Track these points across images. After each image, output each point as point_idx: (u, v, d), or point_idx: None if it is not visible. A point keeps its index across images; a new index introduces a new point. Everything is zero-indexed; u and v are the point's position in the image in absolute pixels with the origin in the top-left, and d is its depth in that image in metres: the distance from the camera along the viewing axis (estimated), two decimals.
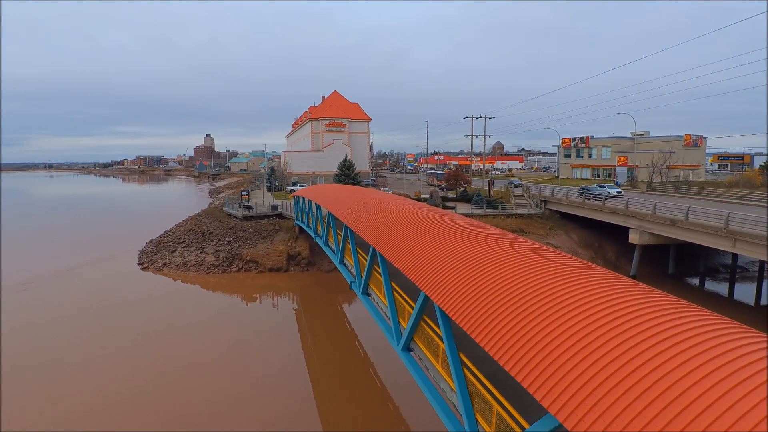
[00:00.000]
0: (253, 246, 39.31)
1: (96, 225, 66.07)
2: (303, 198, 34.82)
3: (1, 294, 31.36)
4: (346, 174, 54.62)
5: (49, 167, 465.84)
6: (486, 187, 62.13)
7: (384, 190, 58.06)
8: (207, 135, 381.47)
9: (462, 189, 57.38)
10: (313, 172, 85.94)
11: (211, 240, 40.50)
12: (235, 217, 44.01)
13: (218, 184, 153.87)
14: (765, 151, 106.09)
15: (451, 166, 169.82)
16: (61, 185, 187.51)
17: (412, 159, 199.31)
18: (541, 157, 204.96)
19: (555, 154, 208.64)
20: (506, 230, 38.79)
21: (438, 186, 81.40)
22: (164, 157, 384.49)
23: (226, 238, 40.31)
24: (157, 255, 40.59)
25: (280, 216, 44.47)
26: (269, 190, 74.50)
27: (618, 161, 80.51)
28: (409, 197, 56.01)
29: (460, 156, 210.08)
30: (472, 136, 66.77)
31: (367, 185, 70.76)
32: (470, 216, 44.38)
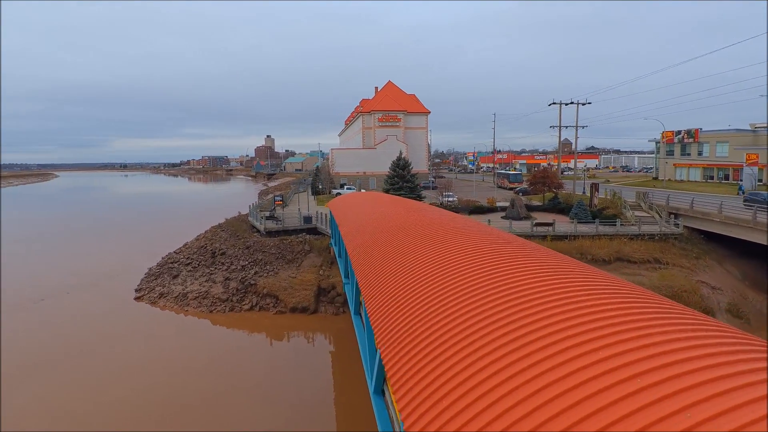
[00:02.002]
0: (273, 273, 29.32)
1: (138, 225, 61.83)
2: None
3: None
4: (401, 175, 43.61)
5: (124, 167, 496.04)
6: (580, 192, 48.66)
7: (446, 197, 46.31)
8: (267, 136, 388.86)
9: (552, 195, 44.43)
10: (364, 173, 75.74)
11: (222, 263, 31.02)
12: (256, 231, 34.46)
13: (271, 184, 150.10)
14: None
15: (517, 165, 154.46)
16: (133, 184, 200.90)
17: (471, 157, 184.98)
18: (617, 155, 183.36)
19: (630, 152, 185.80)
20: (634, 259, 25.64)
21: (509, 189, 68.33)
22: (227, 157, 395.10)
23: (241, 262, 30.63)
24: (158, 279, 31.76)
25: (315, 231, 34.33)
26: (314, 193, 65.22)
27: (747, 159, 63.19)
28: (480, 206, 43.95)
29: (523, 154, 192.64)
30: (560, 126, 53.49)
31: (425, 187, 59.28)
32: (576, 236, 31.77)
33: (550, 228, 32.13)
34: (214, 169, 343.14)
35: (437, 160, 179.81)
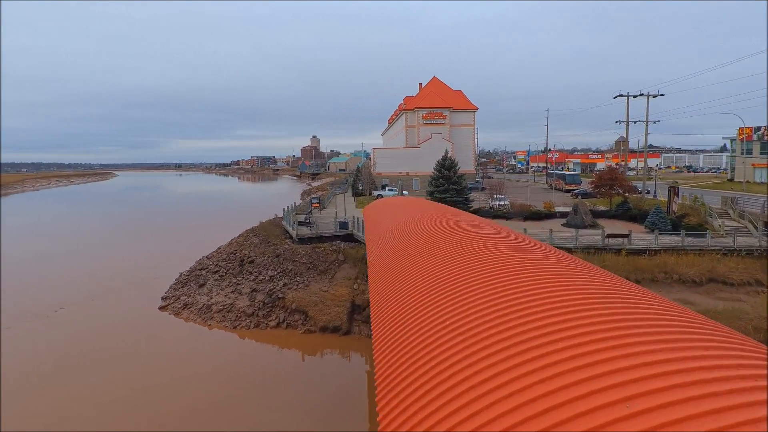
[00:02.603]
0: (303, 286, 26.42)
1: (182, 224, 61.82)
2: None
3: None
4: (446, 176, 39.74)
5: (179, 167, 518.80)
6: (650, 197, 42.79)
7: (497, 200, 41.89)
8: (313, 136, 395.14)
9: (621, 200, 39.05)
10: (406, 173, 72.19)
11: (250, 272, 28.48)
12: (289, 236, 31.80)
13: (314, 184, 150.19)
14: None
15: (570, 165, 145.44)
16: (186, 183, 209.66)
17: (522, 157, 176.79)
18: (679, 154, 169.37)
19: (693, 150, 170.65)
20: (732, 281, 20.44)
21: (565, 191, 62.58)
22: (274, 157, 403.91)
23: (269, 271, 27.95)
24: (185, 287, 29.72)
25: (351, 238, 31.22)
26: (354, 194, 62.46)
27: None
28: (536, 211, 39.25)
29: (576, 153, 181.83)
30: (627, 121, 47.63)
31: (472, 189, 54.93)
32: (657, 249, 26.76)
33: (625, 240, 27.25)
34: (261, 169, 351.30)
35: (483, 160, 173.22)
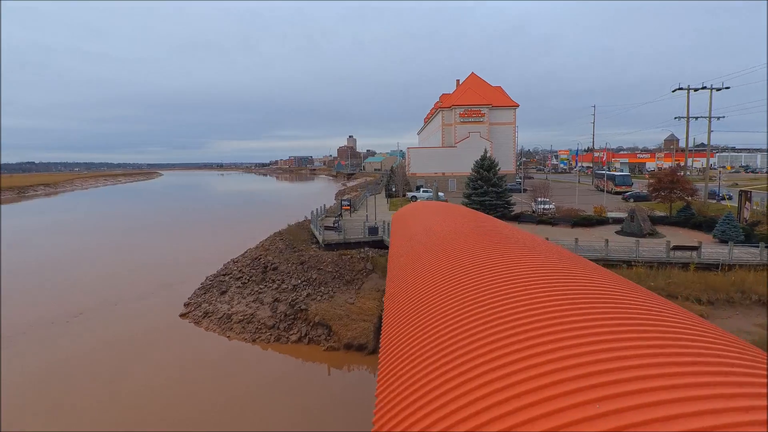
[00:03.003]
0: (327, 297, 24.49)
1: (217, 223, 61.79)
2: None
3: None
4: (485, 178, 36.90)
5: (220, 166, 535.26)
6: (727, 202, 38.29)
7: (541, 204, 38.62)
8: (350, 136, 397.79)
9: (682, 205, 35.01)
10: (442, 174, 69.42)
11: (273, 280, 26.82)
12: (316, 241, 30.02)
13: (349, 183, 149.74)
14: None
15: (617, 165, 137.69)
16: (226, 182, 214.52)
17: (564, 156, 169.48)
18: (735, 154, 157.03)
19: (748, 149, 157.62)
20: None
21: (614, 193, 58.08)
22: (312, 157, 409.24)
23: (293, 280, 26.18)
24: (207, 294, 28.48)
25: (381, 244, 29.08)
26: (387, 196, 60.36)
27: None
28: (586, 217, 35.76)
29: (622, 152, 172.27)
30: (688, 117, 43.05)
31: (513, 190, 51.60)
32: (731, 264, 23.14)
33: (694, 253, 23.69)
34: (299, 168, 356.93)
35: (523, 159, 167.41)
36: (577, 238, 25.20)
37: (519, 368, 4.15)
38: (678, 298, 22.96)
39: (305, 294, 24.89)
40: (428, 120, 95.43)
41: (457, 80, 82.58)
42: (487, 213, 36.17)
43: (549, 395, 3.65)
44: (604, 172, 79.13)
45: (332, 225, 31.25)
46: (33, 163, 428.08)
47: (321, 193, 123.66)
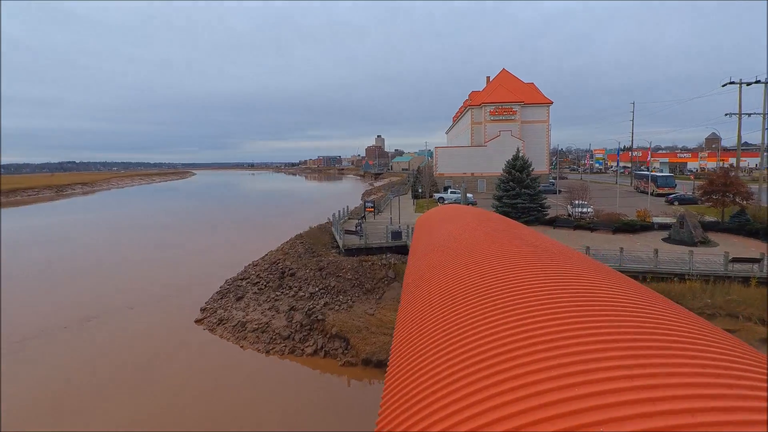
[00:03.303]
0: (346, 307, 22.95)
1: (243, 223, 61.35)
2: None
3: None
4: (518, 179, 34.60)
5: (251, 166, 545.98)
6: (758, 203, 34.68)
7: (579, 207, 35.99)
8: (378, 136, 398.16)
9: (737, 210, 31.77)
10: (471, 174, 66.98)
11: (290, 287, 25.48)
12: (335, 246, 28.54)
13: (377, 183, 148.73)
14: None
15: (657, 165, 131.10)
16: (257, 181, 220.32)
17: (600, 156, 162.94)
18: None
19: None
20: None
21: (656, 195, 54.41)
22: (340, 157, 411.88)
23: (310, 287, 24.76)
24: (224, 299, 27.47)
25: (405, 249, 27.30)
26: (414, 197, 58.52)
27: None
28: (628, 222, 32.95)
29: (660, 151, 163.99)
30: (740, 114, 39.35)
31: (546, 192, 48.86)
32: None
33: (756, 266, 20.89)
34: (327, 168, 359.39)
35: (557, 159, 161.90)
36: (622, 248, 22.72)
37: (535, 369, 3.89)
38: (739, 318, 20.31)
39: (323, 303, 23.42)
40: (457, 119, 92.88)
41: (488, 77, 79.83)
42: (519, 216, 33.85)
43: (558, 398, 3.44)
44: (644, 172, 74.76)
45: (354, 229, 29.72)
46: (74, 162, 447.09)
47: (347, 193, 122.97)
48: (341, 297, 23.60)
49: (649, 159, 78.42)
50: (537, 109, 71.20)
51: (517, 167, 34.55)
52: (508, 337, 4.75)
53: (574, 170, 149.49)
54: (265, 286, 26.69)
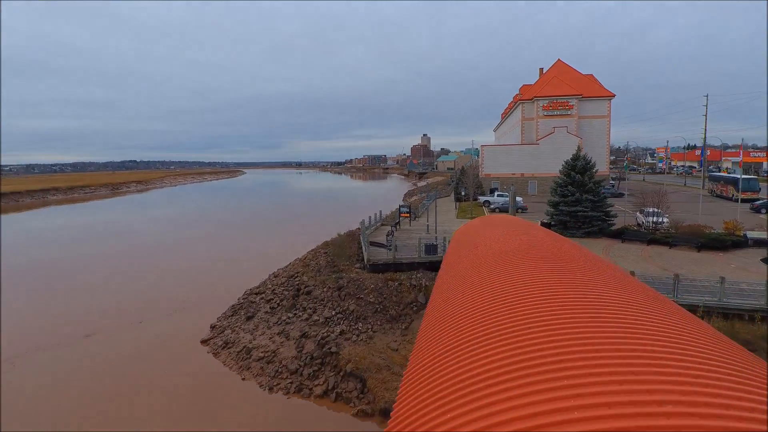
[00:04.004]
0: (365, 337, 19.09)
1: (281, 224, 59.03)
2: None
3: None
4: (578, 183, 29.38)
5: (298, 165, 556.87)
6: None
7: (651, 216, 30.26)
8: (424, 134, 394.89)
9: None
10: (521, 175, 61.28)
11: (305, 308, 21.93)
12: (360, 258, 24.73)
13: (420, 183, 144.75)
14: None
15: (728, 165, 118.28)
16: (303, 180, 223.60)
17: (662, 154, 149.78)
18: None
19: None
20: None
21: (735, 200, 46.70)
22: (385, 156, 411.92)
23: (326, 310, 21.08)
24: (234, 316, 24.43)
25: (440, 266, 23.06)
26: (457, 200, 53.84)
27: None
28: (716, 236, 26.92)
29: (729, 150, 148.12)
30: None
31: (607, 195, 42.83)
32: None
33: None
34: (372, 167, 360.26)
35: (616, 158, 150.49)
36: (723, 277, 17.31)
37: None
38: None
39: (338, 331, 19.66)
40: (506, 115, 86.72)
41: (541, 69, 73.38)
42: (580, 226, 28.67)
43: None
44: (720, 174, 65.88)
45: (381, 241, 25.76)
46: (135, 161, 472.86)
47: (389, 193, 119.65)
48: (360, 325, 19.75)
49: (704, 153, 69.22)
50: (596, 103, 64.29)
51: (578, 168, 29.27)
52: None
53: (632, 170, 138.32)
54: (279, 304, 23.31)
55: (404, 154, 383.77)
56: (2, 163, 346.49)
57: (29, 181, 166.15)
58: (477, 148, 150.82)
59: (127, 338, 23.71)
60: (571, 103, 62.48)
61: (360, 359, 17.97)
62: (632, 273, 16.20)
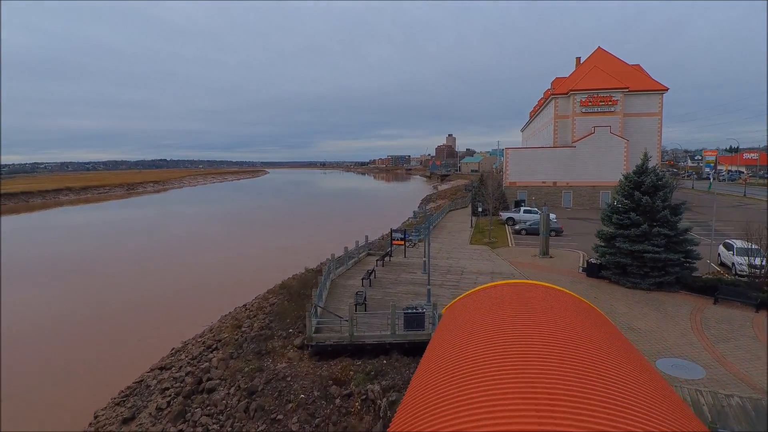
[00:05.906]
0: None
1: (289, 231, 50.65)
2: None
3: None
4: (645, 206, 19.70)
5: (323, 165, 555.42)
6: None
7: (749, 256, 20.23)
8: (449, 135, 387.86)
9: None
10: (554, 183, 51.27)
11: (195, 423, 13.32)
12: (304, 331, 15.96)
13: (441, 187, 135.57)
14: None
15: None
16: (328, 180, 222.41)
17: (710, 158, 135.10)
18: None
19: None
20: None
21: None
22: (409, 156, 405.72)
23: (225, 429, 12.43)
24: (115, 412, 16.06)
25: (424, 348, 14.03)
26: (473, 214, 44.42)
27: None
28: None
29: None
30: None
31: (671, 209, 32.58)
32: None
33: None
34: (395, 168, 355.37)
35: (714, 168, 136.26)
36: None
37: None
38: None
39: None
40: (535, 113, 76.33)
41: (578, 58, 62.82)
42: (648, 273, 19.09)
43: None
44: None
45: (359, 285, 16.93)
46: (165, 160, 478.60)
47: (406, 197, 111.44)
48: None
49: (737, 159, 57.54)
50: (645, 97, 53.59)
51: (646, 187, 19.64)
52: None
53: (673, 174, 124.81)
54: (169, 403, 14.73)
55: (428, 155, 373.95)
56: (38, 161, 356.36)
57: (41, 180, 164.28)
58: (502, 149, 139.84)
59: None
60: (615, 98, 52.05)
61: None
62: None
